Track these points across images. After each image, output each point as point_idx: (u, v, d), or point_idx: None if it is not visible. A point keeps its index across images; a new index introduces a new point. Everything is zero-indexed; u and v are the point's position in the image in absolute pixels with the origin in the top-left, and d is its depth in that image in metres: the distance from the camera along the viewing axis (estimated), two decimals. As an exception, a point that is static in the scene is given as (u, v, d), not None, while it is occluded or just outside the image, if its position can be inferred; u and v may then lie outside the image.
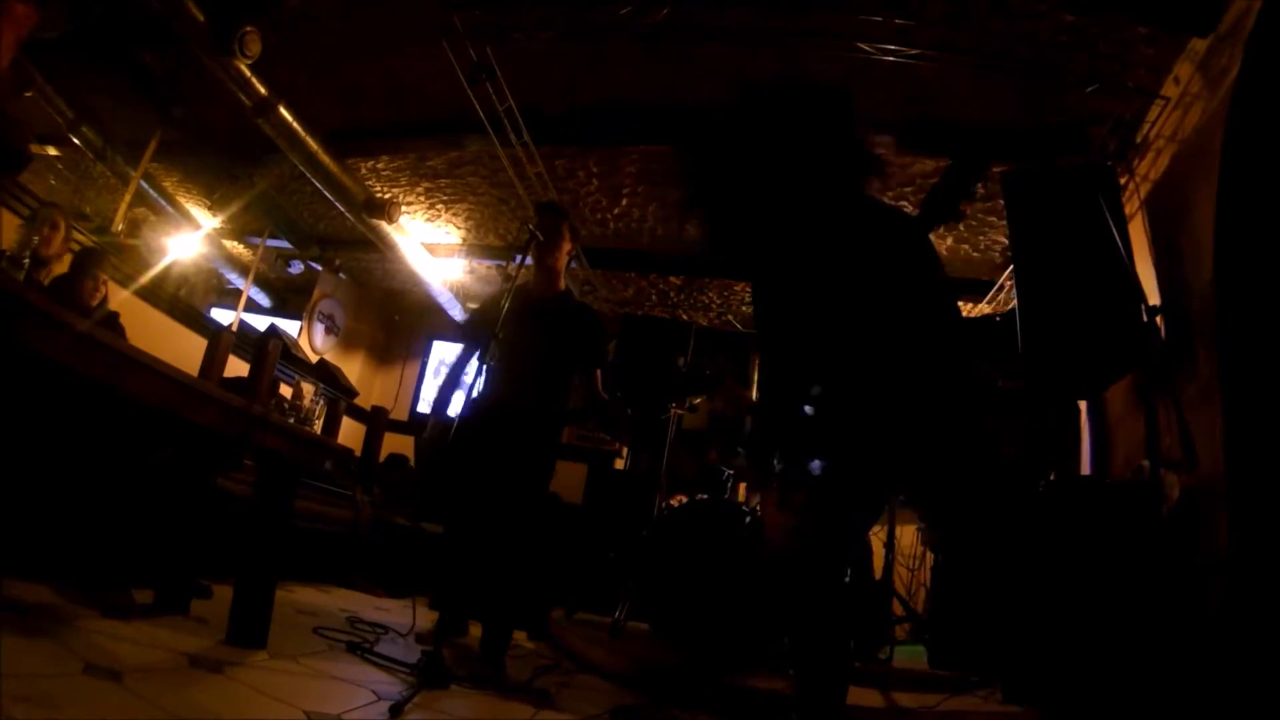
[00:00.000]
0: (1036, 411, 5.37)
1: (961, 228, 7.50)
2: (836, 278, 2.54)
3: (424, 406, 12.40)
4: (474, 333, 4.41)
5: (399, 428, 10.35)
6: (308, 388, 8.67)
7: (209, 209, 9.87)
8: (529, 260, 4.21)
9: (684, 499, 5.80)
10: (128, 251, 9.04)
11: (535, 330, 4.16)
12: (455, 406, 4.13)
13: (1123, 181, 5.21)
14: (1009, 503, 4.74)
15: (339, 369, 9.66)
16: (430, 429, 4.22)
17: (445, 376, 4.47)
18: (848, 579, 2.47)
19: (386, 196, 8.60)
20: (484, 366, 3.74)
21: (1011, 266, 5.46)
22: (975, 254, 7.97)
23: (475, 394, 3.82)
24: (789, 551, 2.52)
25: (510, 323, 3.87)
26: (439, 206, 9.19)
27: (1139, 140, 5.31)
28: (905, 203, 7.21)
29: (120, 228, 8.44)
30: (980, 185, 2.66)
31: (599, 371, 4.35)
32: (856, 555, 5.41)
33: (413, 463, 8.95)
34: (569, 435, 10.55)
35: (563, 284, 4.44)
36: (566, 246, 4.39)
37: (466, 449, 3.97)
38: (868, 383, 2.46)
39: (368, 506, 6.62)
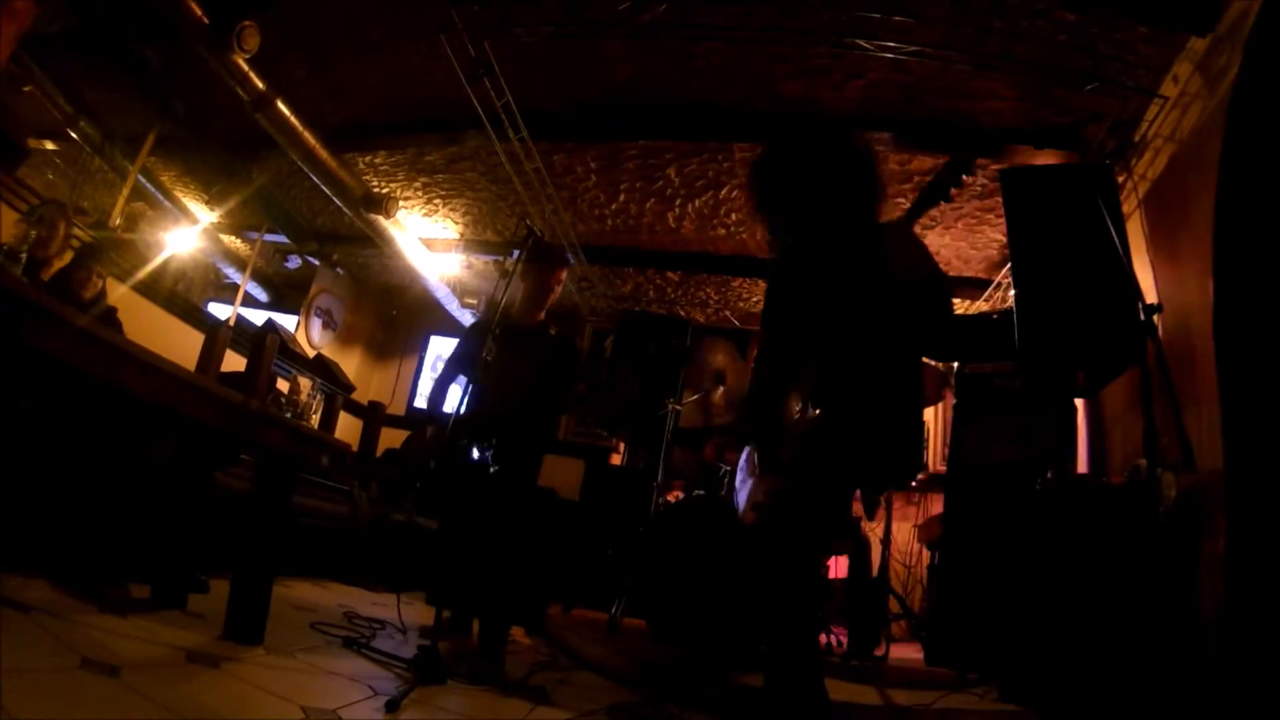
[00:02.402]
0: (1033, 410, 5.37)
1: (960, 225, 7.51)
2: (843, 290, 2.74)
3: (421, 402, 12.40)
4: (458, 361, 4.75)
5: (396, 423, 10.35)
6: (305, 383, 8.67)
7: (207, 204, 9.86)
8: (526, 261, 4.40)
9: (680, 495, 5.81)
10: (125, 246, 9.03)
11: (517, 360, 4.40)
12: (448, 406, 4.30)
13: (1121, 180, 5.21)
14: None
15: (336, 364, 9.67)
16: (422, 434, 4.39)
17: (431, 394, 4.81)
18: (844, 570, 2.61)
19: (384, 191, 8.60)
20: (470, 385, 3.86)
21: (1009, 264, 5.46)
22: (973, 251, 7.97)
23: (463, 409, 3.91)
24: (765, 518, 2.66)
25: (493, 351, 4.06)
26: (436, 201, 9.18)
27: (1137, 139, 5.31)
28: (902, 200, 7.21)
29: (118, 222, 8.43)
30: (968, 177, 2.90)
31: (580, 384, 4.63)
32: (846, 543, 5.47)
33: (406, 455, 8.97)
34: (567, 432, 10.58)
35: (542, 316, 4.71)
36: (559, 292, 4.74)
37: (459, 449, 4.09)
38: (854, 384, 2.62)
39: (365, 502, 6.63)
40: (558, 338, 4.75)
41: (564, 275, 4.75)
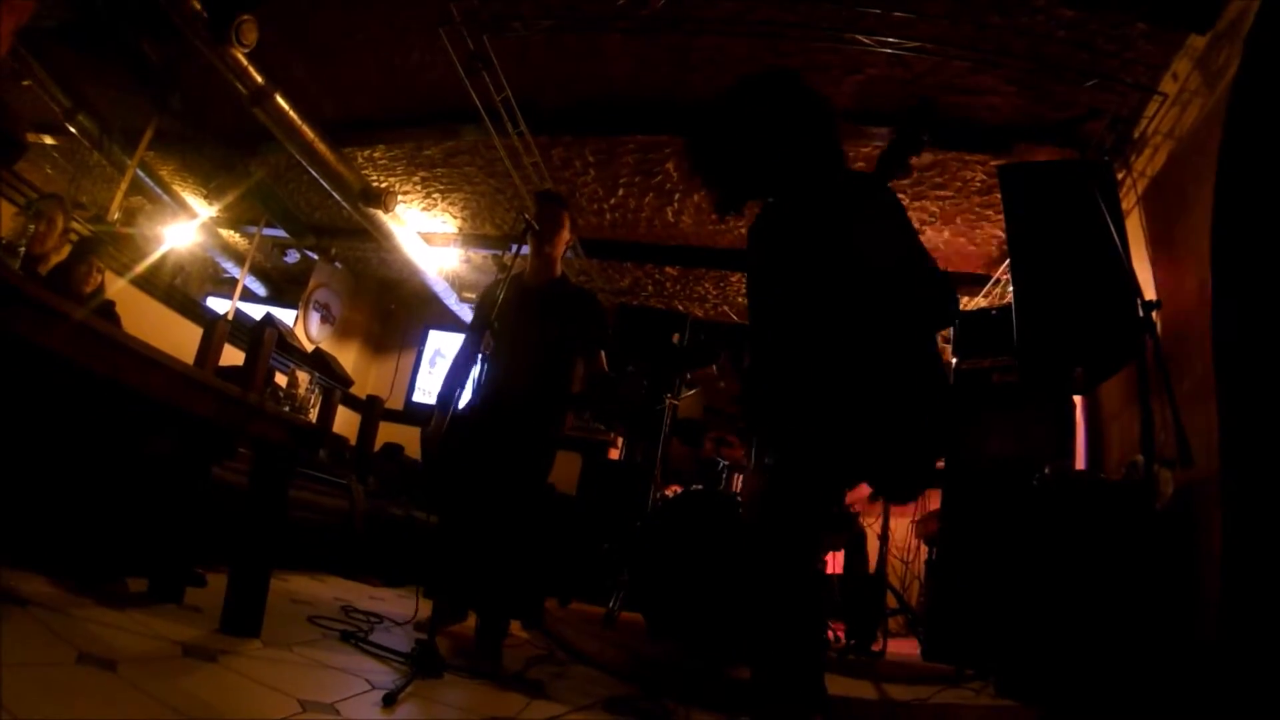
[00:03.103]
0: (1031, 406, 5.37)
1: (959, 221, 7.51)
2: (816, 256, 2.57)
3: (419, 396, 12.42)
4: (476, 325, 4.40)
5: (394, 417, 10.36)
6: (303, 377, 8.68)
7: (205, 198, 9.85)
8: (525, 249, 4.19)
9: (678, 490, 5.80)
10: (124, 240, 9.03)
11: (533, 319, 4.16)
12: (459, 398, 4.17)
13: (1120, 177, 5.21)
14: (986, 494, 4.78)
15: (334, 358, 9.67)
16: (435, 421, 4.23)
17: (449, 370, 4.46)
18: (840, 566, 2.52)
19: (383, 186, 8.60)
20: (481, 356, 3.74)
21: (1008, 261, 5.46)
22: (972, 248, 7.97)
23: (478, 385, 3.80)
24: (754, 516, 2.58)
25: (508, 313, 3.88)
26: (435, 196, 9.18)
27: (1136, 136, 5.31)
28: (902, 195, 7.21)
29: (116, 216, 8.43)
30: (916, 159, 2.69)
31: (602, 352, 4.34)
32: (843, 539, 5.46)
33: (417, 454, 8.96)
34: (565, 426, 10.56)
35: (559, 270, 4.43)
36: (565, 235, 4.39)
37: (467, 439, 3.98)
38: (846, 362, 2.48)
39: (362, 496, 6.63)
40: (578, 292, 4.49)
41: (564, 215, 4.38)
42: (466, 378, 4.30)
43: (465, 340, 4.48)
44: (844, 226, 2.55)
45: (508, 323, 3.97)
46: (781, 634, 2.40)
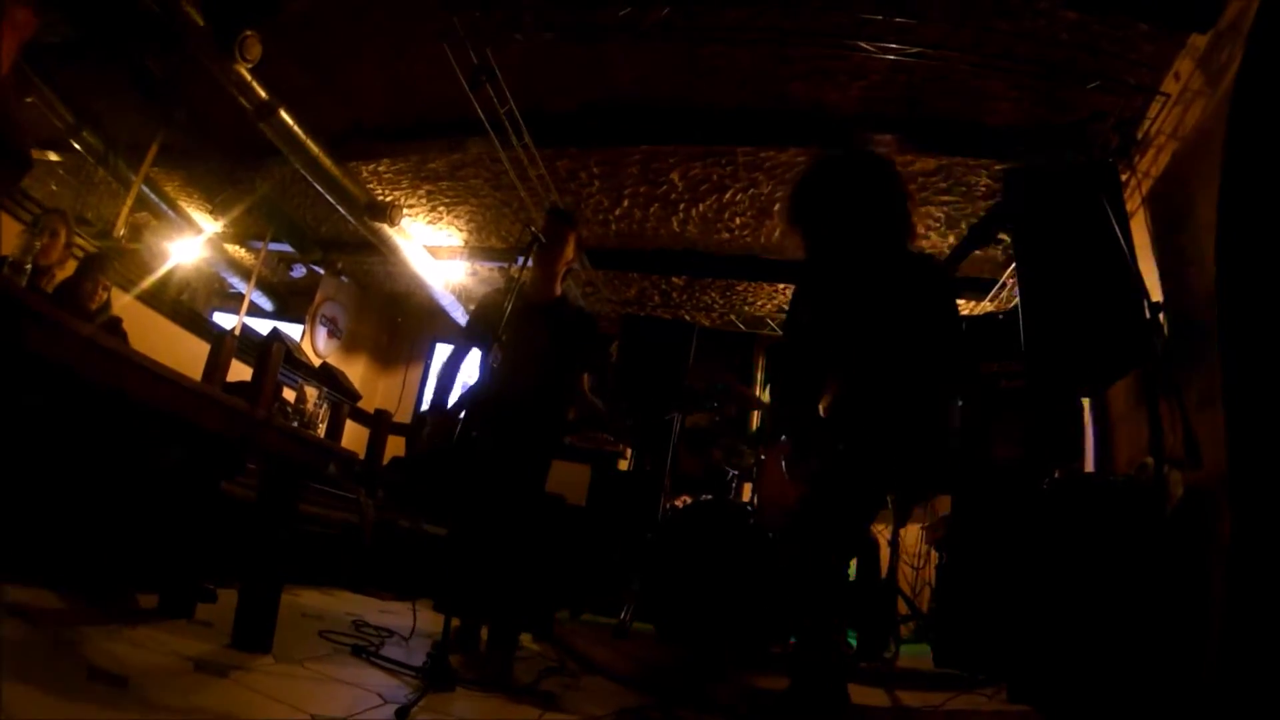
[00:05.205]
0: (1039, 409, 5.36)
1: (964, 225, 7.50)
2: (871, 309, 2.93)
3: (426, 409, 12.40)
4: (471, 333, 4.45)
5: (402, 430, 10.35)
6: (311, 391, 8.66)
7: (211, 213, 9.88)
8: (530, 263, 4.21)
9: (688, 500, 5.80)
10: (130, 256, 9.05)
11: (532, 334, 4.19)
12: (452, 400, 4.20)
13: (1124, 178, 5.20)
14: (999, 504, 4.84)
15: (342, 372, 9.65)
16: (430, 425, 4.23)
17: (439, 376, 4.51)
18: (851, 572, 2.74)
19: (388, 199, 8.61)
20: (485, 368, 3.75)
21: (1014, 264, 5.45)
22: (978, 251, 7.96)
23: (474, 394, 3.82)
24: (792, 521, 2.76)
25: (509, 326, 3.90)
26: (441, 209, 9.19)
27: (1140, 137, 5.30)
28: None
29: (122, 232, 8.44)
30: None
31: (586, 375, 4.41)
32: (862, 546, 5.47)
33: (409, 453, 8.98)
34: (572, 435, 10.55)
35: (559, 289, 4.48)
36: (569, 254, 4.45)
37: (466, 448, 4.00)
38: (876, 395, 2.78)
39: (371, 509, 6.63)
40: (577, 311, 4.57)
41: (570, 233, 4.41)
42: (453, 384, 4.37)
43: (456, 348, 4.54)
44: (890, 297, 2.92)
45: (509, 336, 3.98)
46: (820, 640, 2.48)
